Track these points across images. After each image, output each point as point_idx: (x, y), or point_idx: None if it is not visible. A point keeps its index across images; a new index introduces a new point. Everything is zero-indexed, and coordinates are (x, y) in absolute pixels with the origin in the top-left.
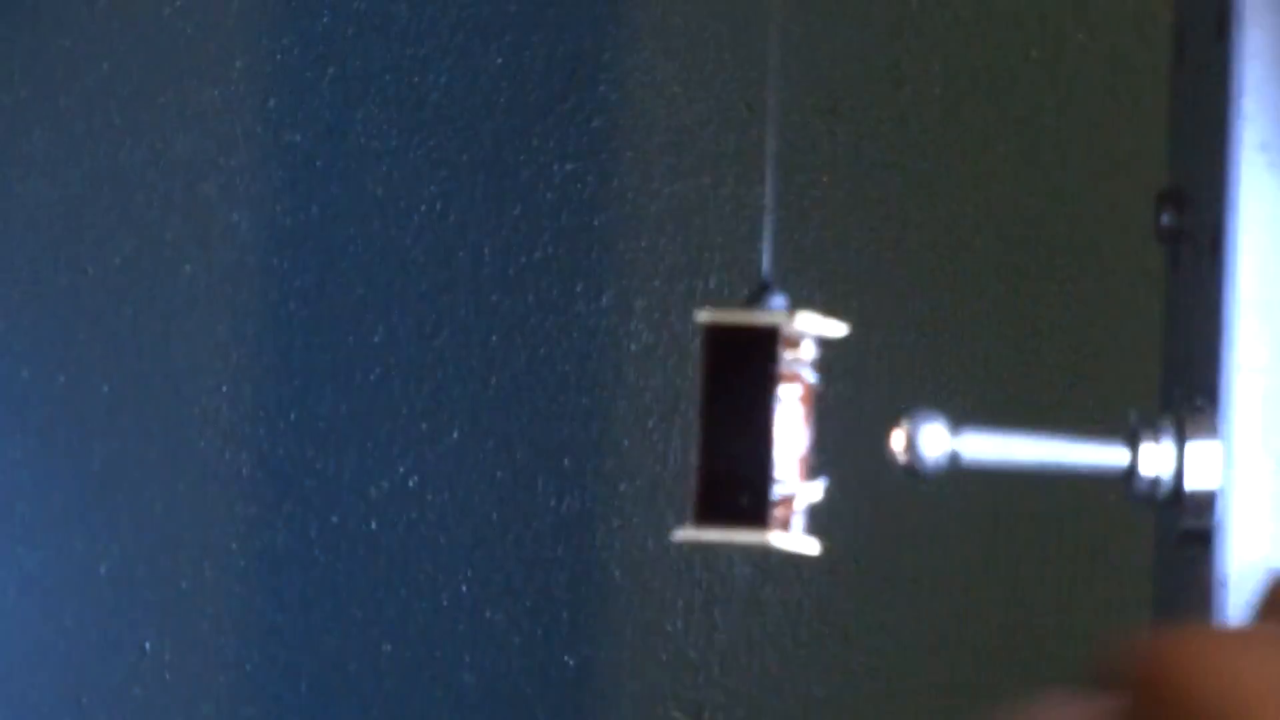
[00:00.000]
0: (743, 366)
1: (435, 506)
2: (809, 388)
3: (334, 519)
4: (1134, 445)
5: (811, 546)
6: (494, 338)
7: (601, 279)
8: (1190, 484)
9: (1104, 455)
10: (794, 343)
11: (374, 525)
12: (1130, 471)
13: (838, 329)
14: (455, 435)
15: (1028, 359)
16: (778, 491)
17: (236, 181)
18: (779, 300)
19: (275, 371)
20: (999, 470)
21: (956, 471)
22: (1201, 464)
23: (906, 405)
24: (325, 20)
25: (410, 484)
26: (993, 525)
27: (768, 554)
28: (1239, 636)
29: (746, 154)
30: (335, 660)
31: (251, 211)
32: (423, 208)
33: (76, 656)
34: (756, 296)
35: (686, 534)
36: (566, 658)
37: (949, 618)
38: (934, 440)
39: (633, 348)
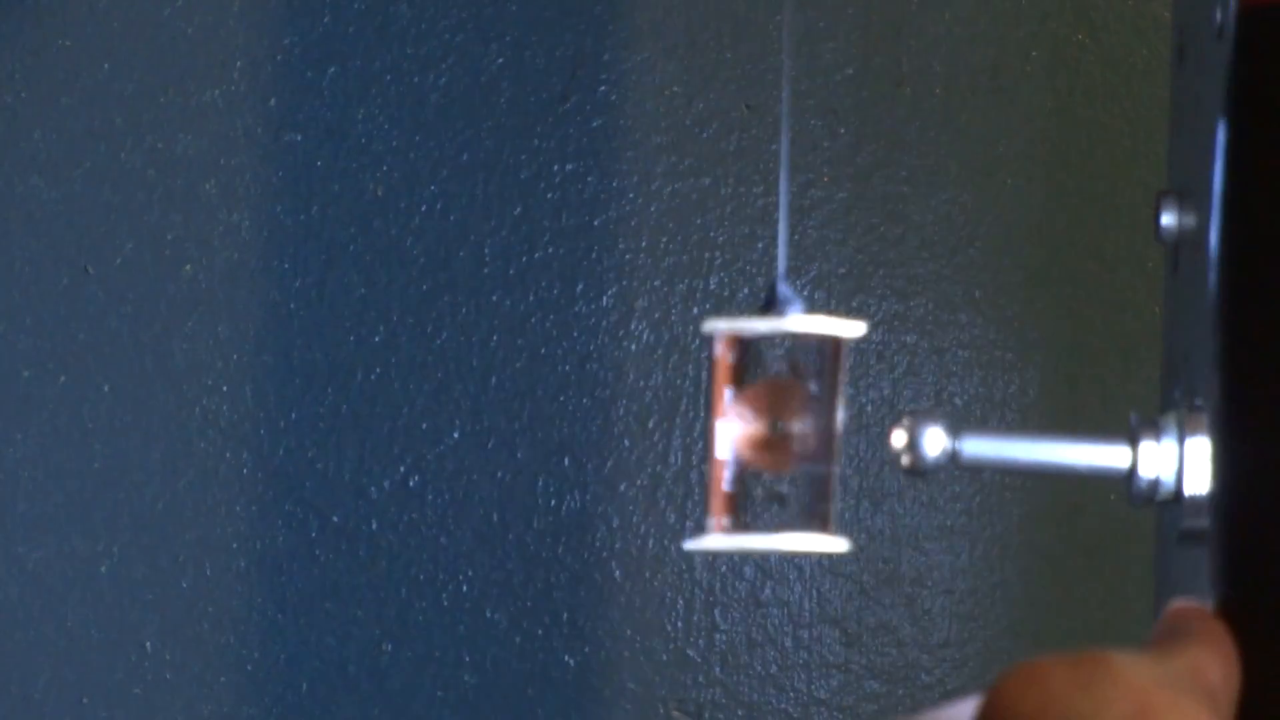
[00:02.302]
0: (760, 372)
1: (435, 506)
2: (831, 389)
3: (334, 519)
4: (1134, 445)
5: (839, 545)
6: (494, 338)
7: (601, 279)
8: (1190, 484)
9: (1104, 455)
10: (813, 346)
11: (374, 525)
12: (1130, 472)
13: (855, 329)
14: (455, 435)
15: (1028, 359)
16: (798, 495)
17: (236, 181)
18: (794, 304)
19: (275, 371)
20: (999, 470)
21: (957, 471)
22: (1202, 464)
23: (906, 405)
24: (325, 20)
25: (410, 484)
26: (993, 525)
27: (793, 556)
28: (1082, 672)
29: (746, 154)
30: (335, 660)
31: (251, 211)
32: (423, 208)
33: (76, 656)
34: (770, 301)
35: (709, 543)
36: (566, 658)
37: (949, 618)
38: (934, 440)
39: (633, 348)
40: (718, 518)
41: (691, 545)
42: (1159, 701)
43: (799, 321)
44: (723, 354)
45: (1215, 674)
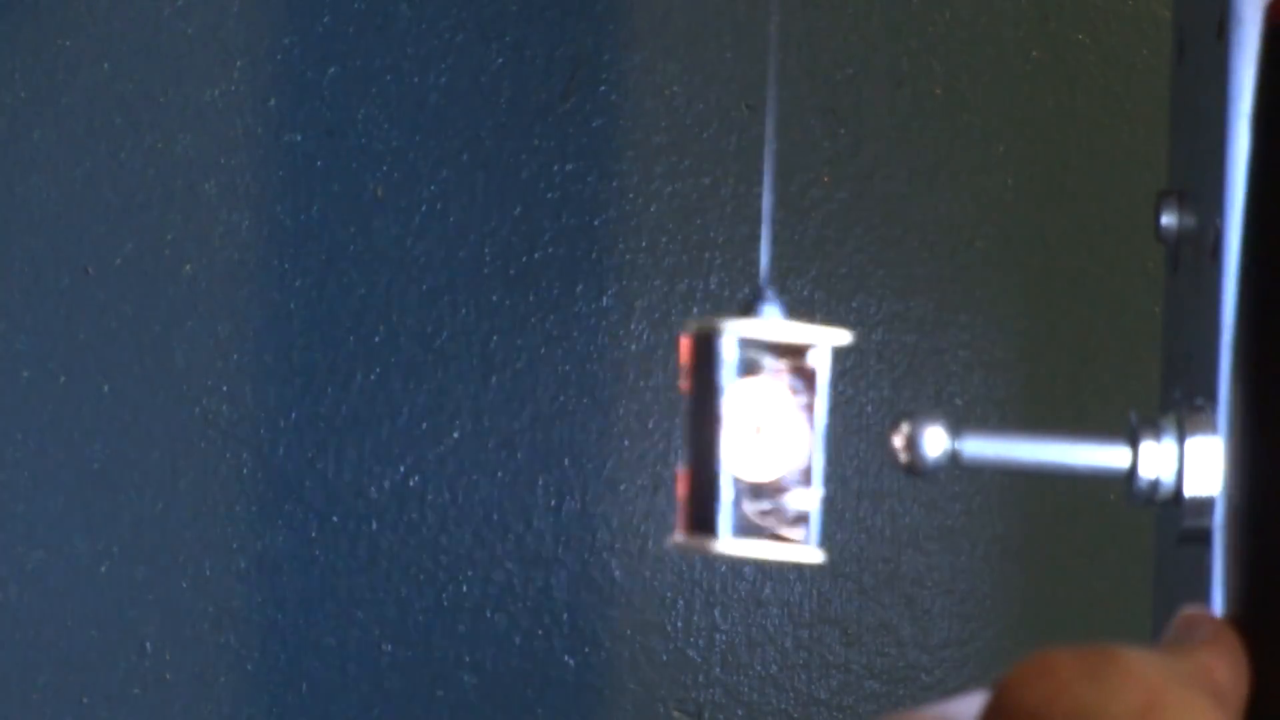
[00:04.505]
0: (719, 376)
1: (435, 506)
2: (811, 396)
3: (334, 519)
4: (1134, 445)
5: (814, 556)
6: (494, 338)
7: (601, 279)
8: (1190, 484)
9: (1104, 455)
10: (794, 352)
11: (374, 525)
12: (1130, 472)
13: (836, 336)
14: (455, 435)
15: (1028, 359)
16: (775, 502)
17: (236, 181)
18: (775, 309)
19: (275, 371)
20: (999, 470)
21: (957, 471)
22: (1202, 464)
23: (906, 405)
24: (325, 20)
25: (410, 484)
26: (993, 525)
27: (769, 562)
28: (1091, 665)
29: (746, 154)
30: (335, 660)
31: (251, 211)
32: (423, 208)
33: (76, 656)
34: (751, 305)
35: (678, 542)
36: (566, 658)
37: (949, 618)
38: (934, 440)
39: (633, 348)
40: (691, 521)
41: (669, 545)
42: (1168, 696)
43: (779, 327)
44: (700, 357)
45: (1225, 675)
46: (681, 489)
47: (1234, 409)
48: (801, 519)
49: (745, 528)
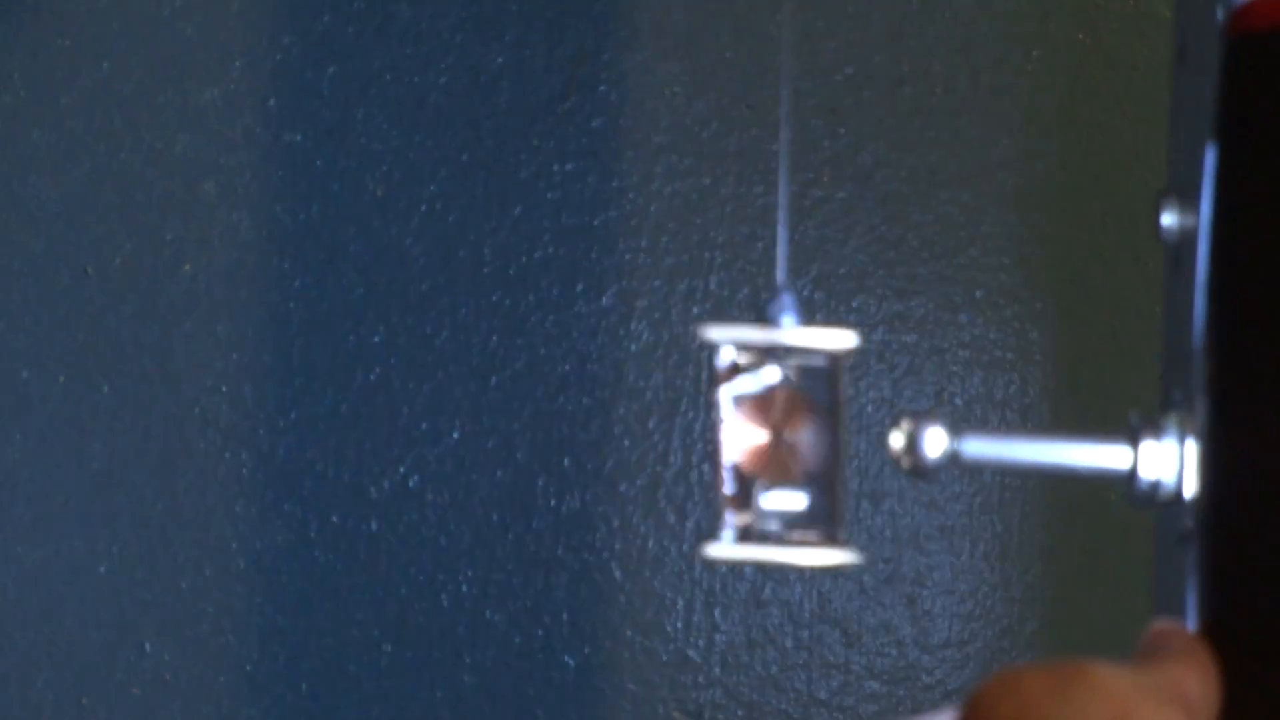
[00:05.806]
0: (763, 382)
1: (435, 506)
2: (835, 400)
3: (334, 519)
4: (1134, 445)
5: (849, 557)
6: (494, 338)
7: (601, 279)
8: (1191, 484)
9: (1104, 455)
10: (817, 356)
11: (374, 525)
12: (1131, 472)
13: (850, 340)
14: (455, 435)
15: (1028, 359)
16: (801, 507)
17: (236, 181)
18: (792, 314)
19: (275, 371)
20: (999, 470)
21: (957, 471)
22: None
23: (906, 405)
24: (325, 20)
25: (410, 484)
26: (993, 525)
27: (803, 570)
28: (1061, 681)
29: (746, 154)
30: (335, 660)
31: (251, 211)
32: (423, 208)
33: (76, 656)
34: (767, 311)
35: (718, 551)
36: (566, 658)
37: (949, 618)
38: (934, 440)
39: (633, 348)
40: (729, 527)
41: (710, 553)
42: (1138, 709)
43: (796, 333)
44: (723, 363)
45: (1194, 688)
46: (714, 500)
47: (1203, 419)
48: (828, 521)
49: (771, 535)
